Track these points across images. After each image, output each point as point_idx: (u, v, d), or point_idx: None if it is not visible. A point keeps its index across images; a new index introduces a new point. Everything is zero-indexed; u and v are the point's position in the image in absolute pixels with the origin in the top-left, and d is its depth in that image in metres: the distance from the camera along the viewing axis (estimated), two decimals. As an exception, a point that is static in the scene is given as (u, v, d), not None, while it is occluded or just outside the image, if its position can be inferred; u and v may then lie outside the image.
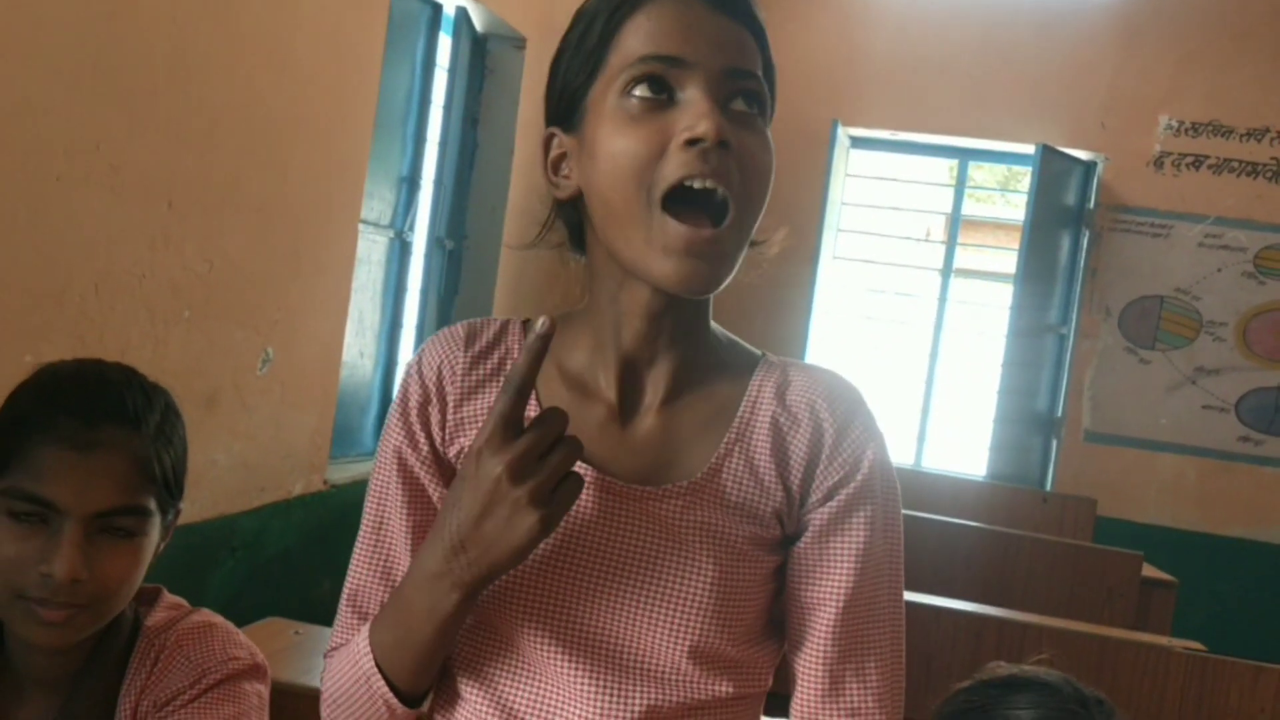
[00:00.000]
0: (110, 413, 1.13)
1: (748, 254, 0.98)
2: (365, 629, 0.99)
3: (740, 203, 0.90)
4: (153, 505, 1.15)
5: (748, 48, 0.93)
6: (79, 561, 1.09)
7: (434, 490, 1.02)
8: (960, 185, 6.06)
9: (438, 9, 4.10)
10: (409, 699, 0.97)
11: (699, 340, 1.01)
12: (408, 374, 1.04)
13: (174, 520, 1.22)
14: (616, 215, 0.91)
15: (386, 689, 0.96)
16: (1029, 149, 5.52)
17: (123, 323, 2.44)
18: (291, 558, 3.31)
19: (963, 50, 5.69)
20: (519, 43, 4.49)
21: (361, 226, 3.54)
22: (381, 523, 1.04)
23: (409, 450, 1.02)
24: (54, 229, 2.22)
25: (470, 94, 4.47)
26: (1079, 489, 5.31)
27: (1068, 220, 5.67)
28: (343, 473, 3.62)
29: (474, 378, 1.02)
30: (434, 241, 4.41)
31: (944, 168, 8.66)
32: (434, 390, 1.02)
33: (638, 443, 0.99)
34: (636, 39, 0.91)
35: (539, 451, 0.85)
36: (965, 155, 6.02)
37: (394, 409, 1.04)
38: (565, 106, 0.99)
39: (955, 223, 6.09)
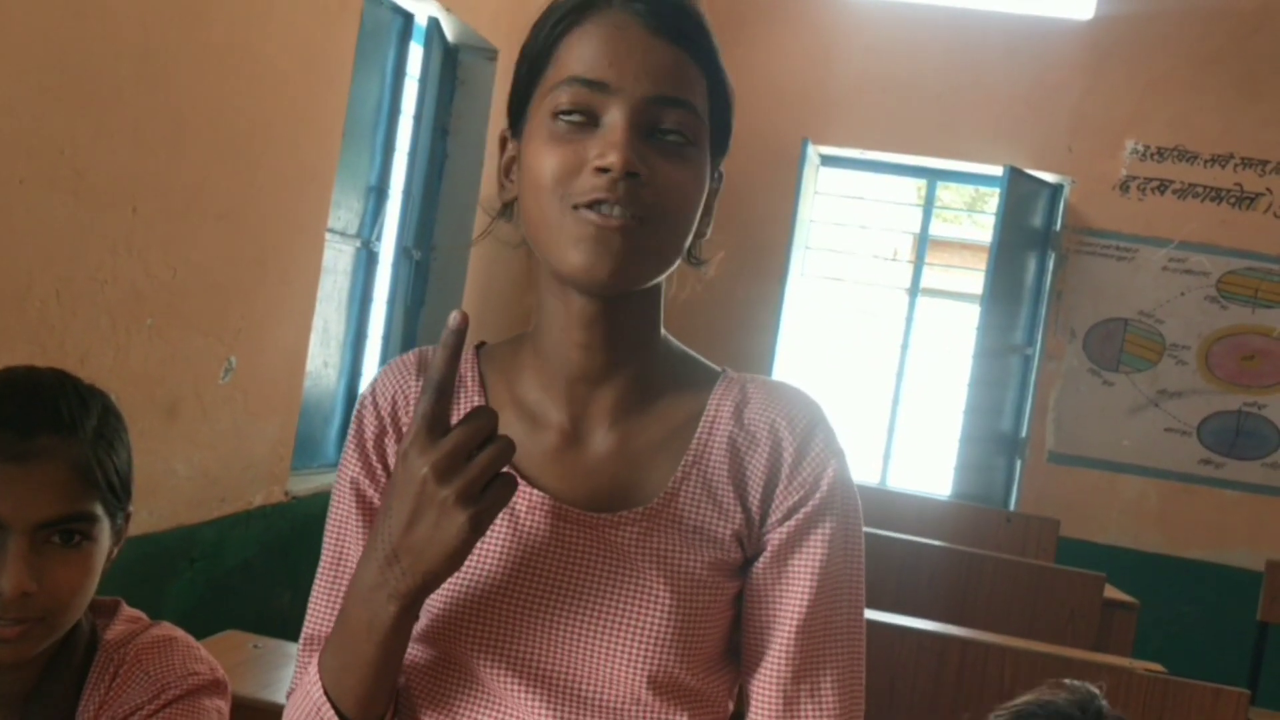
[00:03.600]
0: (45, 421, 1.11)
1: (686, 270, 1.00)
2: (315, 659, 0.96)
3: (653, 221, 0.90)
4: (98, 511, 1.13)
5: (682, 74, 0.91)
6: (25, 575, 1.07)
7: None
8: (928, 205, 6.09)
9: (409, 19, 4.08)
10: None
11: (649, 355, 1.00)
12: (361, 405, 1.03)
13: (125, 525, 1.20)
14: (536, 220, 0.92)
15: (336, 718, 0.93)
16: (997, 170, 5.57)
17: (84, 329, 2.40)
18: (251, 570, 3.27)
19: (932, 71, 5.73)
20: (490, 54, 4.48)
21: (328, 235, 3.51)
22: (340, 558, 1.03)
23: (366, 482, 1.01)
24: (16, 232, 2.18)
25: (441, 104, 4.46)
26: (1042, 509, 5.34)
27: (1034, 242, 5.71)
28: (304, 484, 3.58)
29: None
30: (401, 252, 4.38)
31: (912, 188, 8.72)
32: (389, 420, 1.02)
33: (591, 467, 0.98)
34: (569, 57, 0.92)
35: (466, 451, 0.83)
36: (934, 175, 6.05)
37: (349, 441, 1.03)
38: (514, 112, 0.99)
39: (923, 242, 6.12)
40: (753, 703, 0.98)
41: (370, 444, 1.01)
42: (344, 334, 4.02)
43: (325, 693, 0.93)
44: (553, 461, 0.98)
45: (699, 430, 0.98)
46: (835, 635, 0.96)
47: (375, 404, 1.02)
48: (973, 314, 5.80)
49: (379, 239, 4.10)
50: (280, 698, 1.75)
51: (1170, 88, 5.61)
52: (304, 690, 0.96)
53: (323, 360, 3.85)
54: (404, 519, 0.85)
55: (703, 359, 1.06)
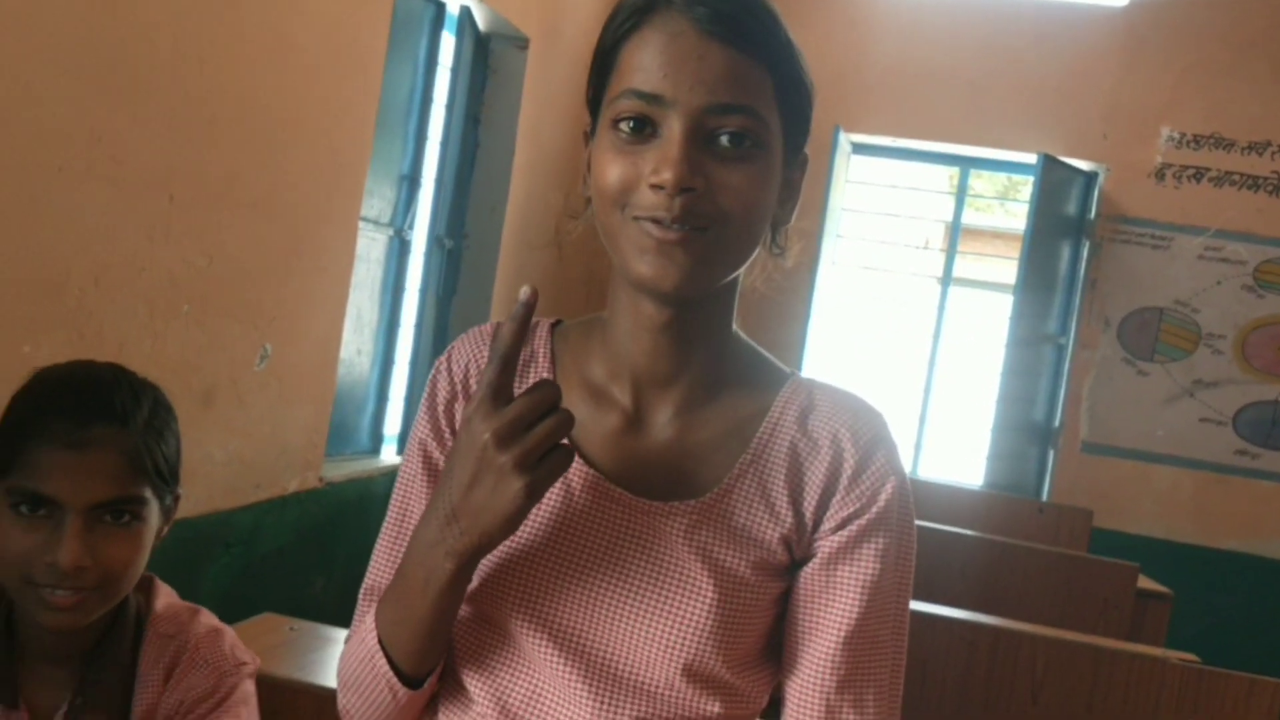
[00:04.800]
0: (100, 412, 1.21)
1: (766, 261, 1.02)
2: (372, 610, 1.00)
3: (716, 229, 0.91)
4: (147, 494, 1.24)
5: (741, 78, 0.90)
6: (81, 550, 1.17)
7: None
8: (961, 193, 6.05)
9: (441, 8, 4.09)
10: (410, 681, 0.98)
11: (717, 354, 1.01)
12: (436, 370, 1.06)
13: (174, 506, 1.31)
14: (603, 226, 0.95)
15: (388, 668, 0.97)
16: (1030, 158, 5.53)
17: (121, 316, 2.43)
18: (285, 555, 3.30)
19: (966, 58, 5.69)
20: (522, 43, 4.48)
21: (361, 224, 3.53)
22: (405, 515, 1.06)
23: (434, 445, 1.04)
24: (54, 220, 2.21)
25: (472, 93, 4.47)
26: (1075, 499, 5.30)
27: (1068, 230, 5.67)
28: (338, 470, 3.61)
29: None
30: (433, 240, 4.40)
31: (944, 176, 8.66)
32: (461, 387, 1.04)
33: (650, 455, 0.99)
34: (629, 66, 0.92)
35: (527, 420, 0.85)
36: (966, 163, 6.02)
37: (422, 405, 1.06)
38: (591, 111, 1.00)
39: (955, 230, 6.09)
40: (791, 705, 0.98)
41: (441, 408, 1.05)
42: (377, 322, 4.05)
43: (379, 643, 0.97)
44: (612, 444, 1.00)
45: (760, 431, 0.99)
46: (881, 650, 0.97)
47: (449, 370, 1.06)
48: (1005, 303, 5.77)
49: (411, 227, 4.12)
50: (316, 679, 1.77)
51: (1206, 74, 5.55)
52: (360, 638, 1.00)
53: (356, 348, 3.88)
54: (464, 481, 0.88)
55: (773, 359, 1.06)
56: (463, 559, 0.90)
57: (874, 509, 0.96)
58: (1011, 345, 5.42)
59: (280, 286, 3.06)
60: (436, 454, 1.04)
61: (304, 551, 3.40)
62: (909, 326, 6.27)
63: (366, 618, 1.00)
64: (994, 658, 2.58)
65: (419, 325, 4.37)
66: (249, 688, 1.32)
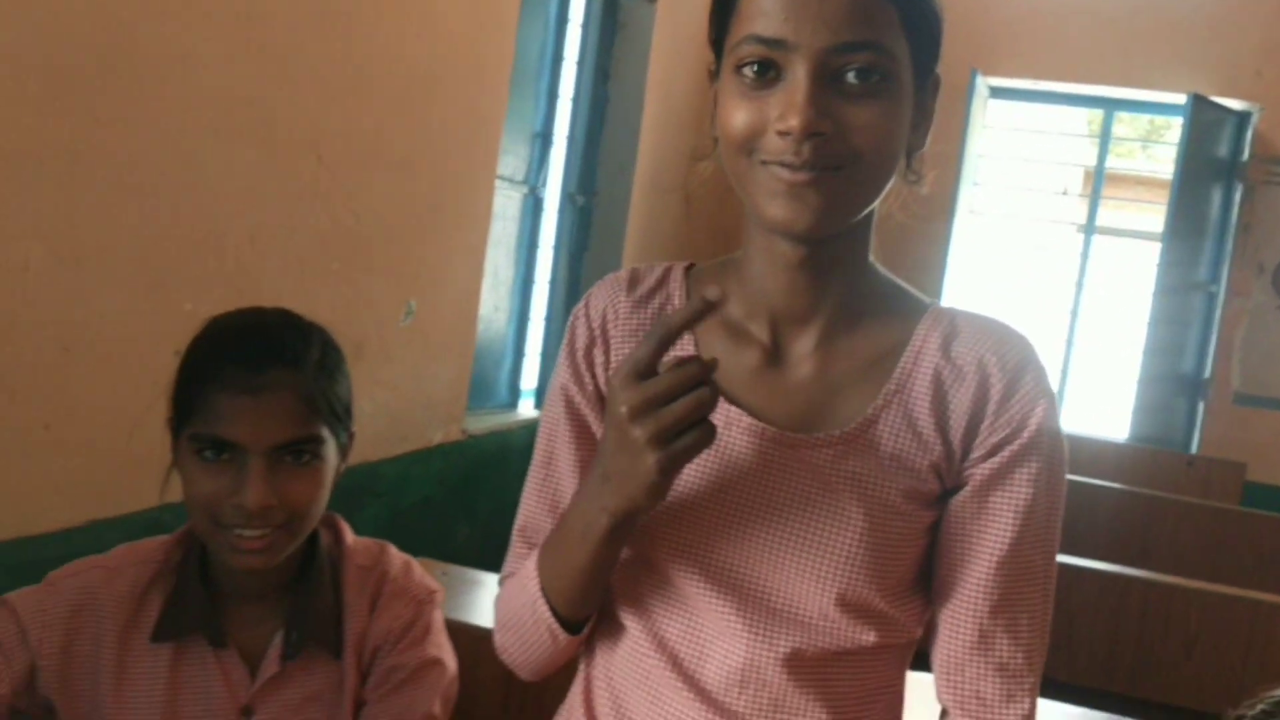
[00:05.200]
0: (273, 356, 1.23)
1: (902, 189, 1.00)
2: (534, 555, 1.02)
3: (849, 168, 0.90)
4: (324, 433, 1.26)
5: (863, 13, 0.88)
6: (265, 491, 1.20)
7: (599, 428, 1.05)
8: (1105, 137, 5.84)
9: (572, -36, 4.11)
10: (570, 625, 1.00)
11: (855, 286, 1.00)
12: (574, 317, 1.08)
13: (349, 443, 1.34)
14: (732, 170, 0.94)
15: (550, 614, 0.99)
16: (1178, 99, 5.29)
17: (276, 274, 2.52)
18: (431, 504, 3.40)
19: (1109, -4, 5.47)
20: (651, -3, 4.47)
21: (497, 182, 3.58)
22: (551, 458, 1.08)
23: (575, 390, 1.06)
24: (211, 182, 2.30)
25: (602, 49, 4.48)
26: (1226, 452, 5.12)
27: (1219, 173, 5.43)
28: (479, 424, 3.69)
29: (635, 320, 1.04)
30: (566, 197, 4.44)
31: (1081, 119, 8.36)
32: (598, 332, 1.06)
33: (792, 389, 0.99)
34: (750, 9, 0.90)
35: (665, 397, 0.84)
36: (1110, 105, 5.79)
37: (562, 351, 1.08)
38: (714, 55, 0.99)
39: (1099, 176, 5.88)
40: (944, 632, 0.98)
41: (580, 354, 1.06)
42: (512, 279, 4.11)
43: (541, 588, 1.00)
44: (754, 380, 1.00)
45: (903, 360, 0.98)
46: (1034, 575, 0.96)
47: (588, 316, 1.07)
48: (1148, 250, 5.57)
49: (544, 185, 4.17)
50: (470, 619, 1.82)
51: (1374, 3, 5.23)
52: (521, 583, 1.03)
53: (493, 304, 3.95)
54: (610, 447, 0.89)
55: (912, 290, 1.05)
56: (616, 518, 0.91)
57: (1025, 434, 0.94)
58: (1159, 294, 5.24)
59: (423, 244, 3.13)
60: (578, 398, 1.06)
61: (448, 501, 3.50)
62: (1049, 276, 6.10)
63: (527, 563, 1.03)
64: (1145, 611, 2.52)
65: (553, 282, 4.42)
66: (440, 616, 1.37)
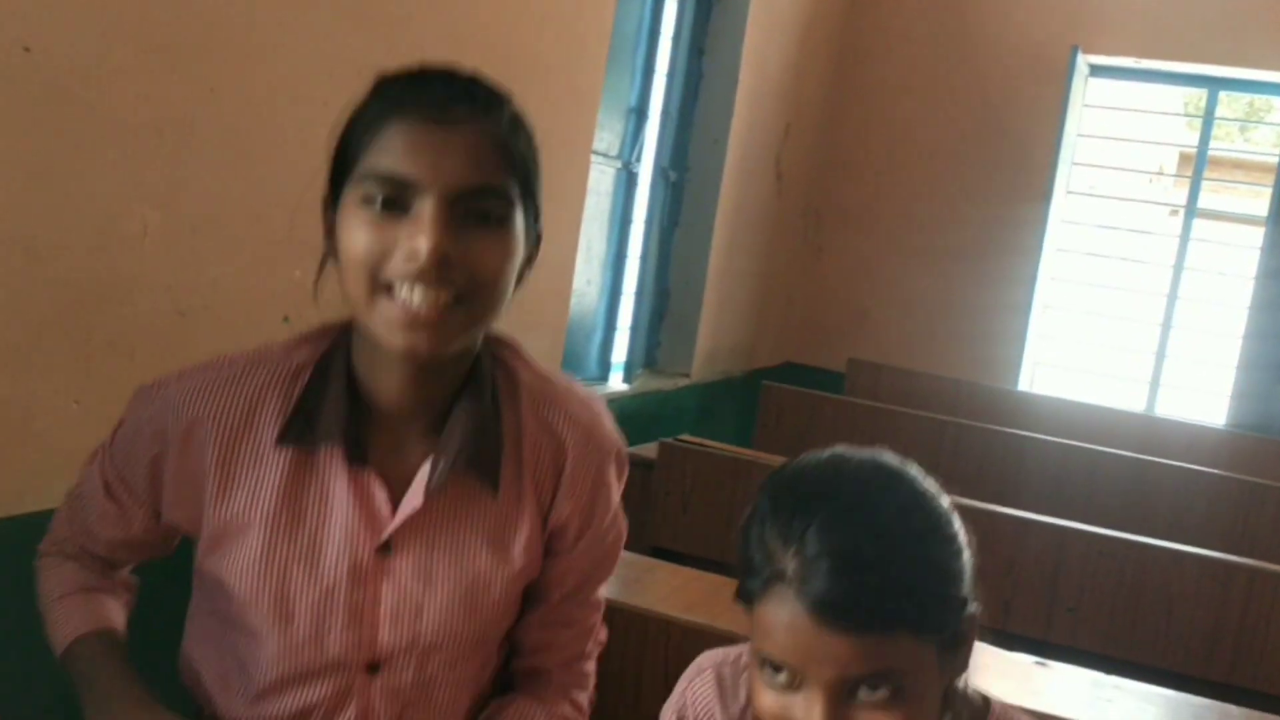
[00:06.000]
0: (464, 95, 1.08)
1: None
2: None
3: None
4: (513, 191, 1.08)
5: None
6: (444, 235, 1.02)
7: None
8: (1208, 117, 5.68)
9: (669, -61, 4.10)
10: None
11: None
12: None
13: (538, 243, 1.16)
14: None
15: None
16: (1288, 77, 5.13)
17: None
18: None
19: (1217, -30, 5.31)
20: (747, -28, 4.45)
21: (593, 157, 3.60)
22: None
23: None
24: (321, 151, 2.34)
25: (698, 25, 4.47)
26: (1330, 442, 4.97)
27: (1329, 154, 5.25)
28: (571, 397, 3.72)
29: None
30: (659, 172, 4.45)
31: (1177, 98, 8.12)
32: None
33: None
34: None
35: None
36: (1215, 84, 5.62)
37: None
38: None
39: (1201, 157, 5.72)
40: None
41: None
42: (605, 253, 4.13)
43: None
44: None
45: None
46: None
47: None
48: (1249, 235, 5.41)
49: (639, 160, 4.18)
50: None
51: None
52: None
53: (586, 278, 3.98)
54: None
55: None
56: None
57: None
58: (1262, 278, 5.10)
59: (520, 217, 3.16)
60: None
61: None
62: (1147, 258, 5.95)
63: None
64: (1249, 599, 2.47)
65: (644, 257, 4.44)
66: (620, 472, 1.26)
